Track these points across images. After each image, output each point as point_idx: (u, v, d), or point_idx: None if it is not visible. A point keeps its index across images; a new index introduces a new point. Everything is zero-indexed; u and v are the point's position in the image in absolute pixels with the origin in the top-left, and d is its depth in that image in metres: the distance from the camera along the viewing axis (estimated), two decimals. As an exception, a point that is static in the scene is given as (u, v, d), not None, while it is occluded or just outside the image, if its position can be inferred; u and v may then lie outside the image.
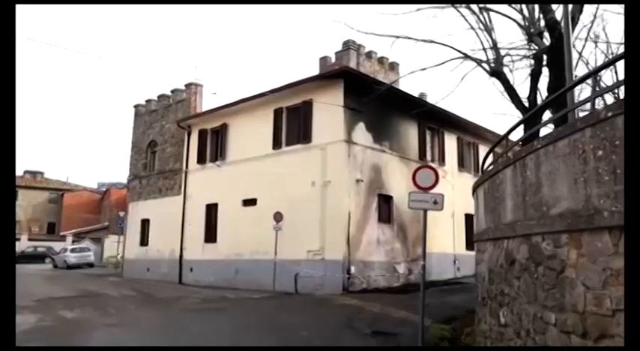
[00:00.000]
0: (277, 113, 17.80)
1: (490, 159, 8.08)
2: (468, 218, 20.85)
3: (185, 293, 15.31)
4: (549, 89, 9.65)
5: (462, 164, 20.92)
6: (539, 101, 11.29)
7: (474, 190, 7.36)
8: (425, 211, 7.90)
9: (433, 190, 7.86)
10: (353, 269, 15.21)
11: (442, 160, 19.85)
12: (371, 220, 16.29)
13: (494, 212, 5.65)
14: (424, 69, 11.96)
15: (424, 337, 7.84)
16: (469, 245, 20.83)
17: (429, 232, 18.68)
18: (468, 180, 21.34)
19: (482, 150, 22.09)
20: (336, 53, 21.87)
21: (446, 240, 19.51)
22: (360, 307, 11.24)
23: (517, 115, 14.30)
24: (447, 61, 11.48)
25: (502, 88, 11.60)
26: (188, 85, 22.74)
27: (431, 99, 18.76)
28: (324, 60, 22.63)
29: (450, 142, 20.53)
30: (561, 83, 8.40)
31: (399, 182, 17.56)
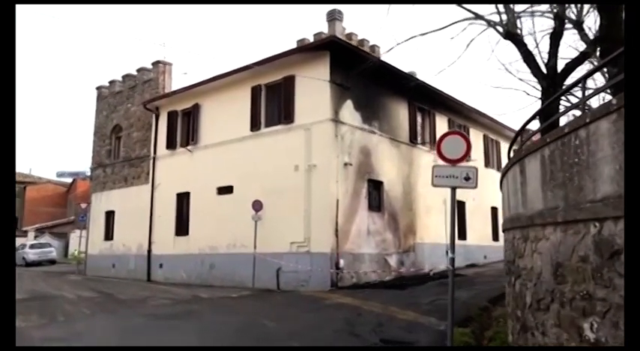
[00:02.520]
0: (255, 91, 16.06)
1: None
2: (460, 205, 19.57)
3: (153, 293, 13.51)
4: (601, 38, 7.53)
5: (453, 148, 19.52)
6: (559, 68, 9.88)
7: (512, 163, 5.84)
8: (453, 189, 6.35)
9: (464, 163, 6.29)
10: (342, 262, 13.69)
11: (433, 144, 18.40)
12: (360, 208, 14.77)
13: (564, 186, 4.13)
14: (425, 34, 10.47)
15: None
16: (461, 234, 19.57)
17: (420, 220, 17.49)
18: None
19: (474, 134, 20.80)
20: (315, 35, 20.06)
21: (438, 229, 18.14)
22: (357, 306, 9.69)
23: (522, 89, 12.86)
24: (454, 23, 9.97)
25: (503, 63, 10.15)
26: (155, 64, 20.73)
27: (423, 78, 17.28)
28: (301, 43, 20.80)
29: (442, 124, 19.12)
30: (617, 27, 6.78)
31: (389, 166, 16.11)
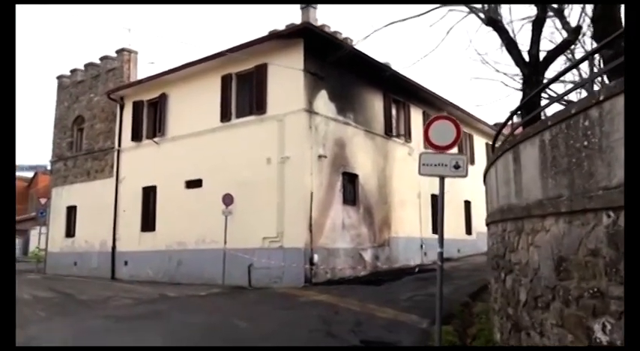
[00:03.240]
0: (226, 80, 15.38)
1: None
2: (435, 199, 19.37)
3: (116, 292, 12.74)
4: (596, 18, 7.04)
5: (428, 141, 19.27)
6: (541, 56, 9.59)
7: (503, 151, 5.46)
8: (442, 178, 5.93)
9: (452, 151, 5.87)
10: (316, 258, 13.23)
11: (408, 136, 18.15)
12: (335, 202, 14.32)
13: (569, 173, 3.75)
14: (404, 20, 10.05)
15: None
16: (435, 228, 19.37)
17: (395, 214, 17.19)
18: (434, 158, 19.86)
19: (448, 127, 20.60)
20: (287, 26, 19.41)
21: (413, 223, 17.90)
22: (333, 304, 9.25)
23: (499, 80, 12.59)
24: (434, 9, 9.58)
25: (480, 53, 9.85)
26: (120, 52, 19.75)
27: (399, 70, 16.90)
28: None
29: (416, 117, 18.85)
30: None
31: (364, 159, 15.72)
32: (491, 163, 6.31)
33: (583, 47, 11.45)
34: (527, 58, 9.35)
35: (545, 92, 10.09)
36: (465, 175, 5.73)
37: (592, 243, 3.46)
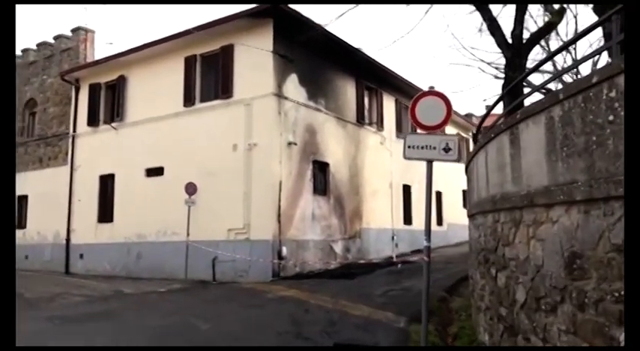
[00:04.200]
0: (189, 62, 14.43)
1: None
2: (406, 189, 18.97)
3: (67, 288, 11.74)
4: None
5: (399, 129, 18.81)
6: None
7: (496, 133, 4.88)
8: (429, 162, 5.30)
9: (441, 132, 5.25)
10: (285, 250, 12.56)
11: (381, 125, 17.60)
12: (305, 192, 13.66)
13: (586, 154, 3.17)
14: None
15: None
16: (407, 220, 18.98)
17: (367, 204, 16.64)
18: (407, 148, 19.39)
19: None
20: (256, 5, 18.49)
21: (384, 214, 17.42)
22: (303, 300, 8.59)
23: (476, 66, 12.25)
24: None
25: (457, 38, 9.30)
26: (76, 31, 18.43)
27: (372, 55, 16.24)
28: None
29: (389, 105, 18.33)
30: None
31: (336, 147, 15.09)
32: (478, 149, 5.74)
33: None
34: (510, 40, 8.85)
35: (526, 82, 9.62)
36: (457, 160, 5.13)
37: (617, 237, 2.89)
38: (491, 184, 5.18)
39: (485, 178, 5.40)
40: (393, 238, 17.83)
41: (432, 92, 5.21)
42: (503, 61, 9.28)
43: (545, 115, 3.73)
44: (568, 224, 3.42)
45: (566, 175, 3.46)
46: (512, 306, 4.42)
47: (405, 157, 5.28)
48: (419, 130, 5.38)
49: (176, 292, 10.73)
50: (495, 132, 4.85)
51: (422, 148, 5.13)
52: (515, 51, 8.66)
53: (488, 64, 12.40)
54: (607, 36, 5.65)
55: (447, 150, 5.03)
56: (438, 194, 21.44)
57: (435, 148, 5.07)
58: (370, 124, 17.09)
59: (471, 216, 6.96)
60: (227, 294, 10.12)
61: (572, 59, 12.59)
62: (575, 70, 12.41)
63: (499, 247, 4.87)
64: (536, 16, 10.24)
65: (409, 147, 5.18)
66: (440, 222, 21.76)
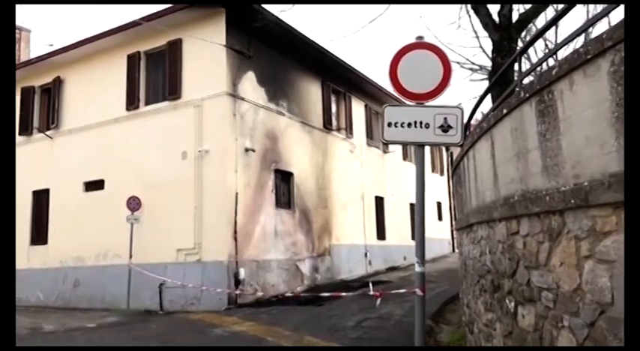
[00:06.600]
0: (132, 60, 12.76)
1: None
2: (379, 201, 17.59)
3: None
4: None
5: (370, 136, 17.49)
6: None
7: (511, 107, 3.44)
8: (420, 147, 3.79)
9: (437, 101, 3.69)
10: (242, 273, 10.90)
11: (350, 131, 16.21)
12: (266, 205, 12.07)
13: None
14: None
15: None
16: (380, 234, 17.56)
17: (336, 219, 15.04)
18: (378, 156, 18.05)
19: (392, 123, 18.91)
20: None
21: (356, 228, 15.95)
22: (259, 338, 6.94)
23: (456, 61, 11.03)
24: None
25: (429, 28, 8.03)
26: (9, 31, 16.53)
27: (339, 56, 14.91)
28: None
29: (358, 110, 16.99)
30: None
31: (300, 155, 13.59)
32: (477, 138, 4.28)
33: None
34: (498, 19, 7.59)
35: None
36: (459, 142, 3.59)
37: None
38: (502, 181, 3.72)
39: (492, 175, 3.94)
40: (366, 254, 16.36)
41: (420, 44, 3.66)
42: (480, 61, 8.14)
43: (611, 58, 2.29)
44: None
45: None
46: (551, 360, 2.93)
47: (384, 140, 3.73)
48: (404, 100, 3.81)
49: (107, 329, 8.87)
50: (511, 105, 3.40)
51: (408, 125, 3.54)
52: (502, 33, 7.41)
53: (470, 61, 11.16)
54: None
55: (445, 128, 3.50)
56: (413, 206, 20.13)
57: (427, 125, 3.49)
58: (339, 130, 15.68)
59: (463, 228, 5.50)
60: (167, 330, 8.33)
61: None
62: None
63: (520, 269, 3.39)
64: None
65: (389, 125, 3.58)
66: (414, 236, 20.42)
